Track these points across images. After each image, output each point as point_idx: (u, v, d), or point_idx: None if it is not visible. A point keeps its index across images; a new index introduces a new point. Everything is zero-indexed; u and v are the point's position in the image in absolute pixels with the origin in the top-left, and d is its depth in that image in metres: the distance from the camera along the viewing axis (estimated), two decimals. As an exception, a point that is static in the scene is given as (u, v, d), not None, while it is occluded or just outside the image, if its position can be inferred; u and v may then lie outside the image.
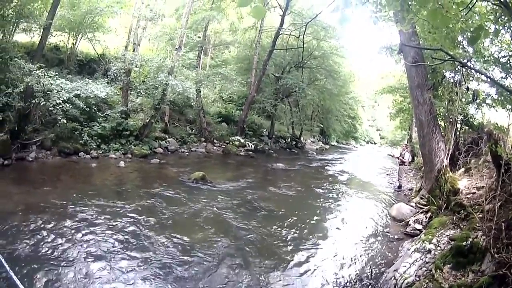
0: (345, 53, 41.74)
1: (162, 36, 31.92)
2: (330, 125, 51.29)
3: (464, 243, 8.10)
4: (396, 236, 11.89)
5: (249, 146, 33.06)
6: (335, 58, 40.48)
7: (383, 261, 9.83)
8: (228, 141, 32.55)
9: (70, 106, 19.03)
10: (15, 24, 20.69)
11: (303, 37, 26.90)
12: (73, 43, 27.44)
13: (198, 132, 32.27)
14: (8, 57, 17.61)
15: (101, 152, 22.23)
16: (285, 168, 25.32)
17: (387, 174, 27.25)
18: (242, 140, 33.13)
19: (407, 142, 32.04)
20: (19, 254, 8.29)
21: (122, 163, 20.75)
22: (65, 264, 8.06)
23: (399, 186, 20.77)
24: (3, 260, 6.05)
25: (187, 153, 28.09)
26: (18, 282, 5.40)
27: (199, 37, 33.66)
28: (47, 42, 22.07)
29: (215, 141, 32.24)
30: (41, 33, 20.22)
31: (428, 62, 16.19)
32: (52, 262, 8.11)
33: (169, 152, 26.88)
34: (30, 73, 17.26)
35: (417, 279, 8.09)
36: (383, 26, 15.61)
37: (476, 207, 10.73)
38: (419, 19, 8.60)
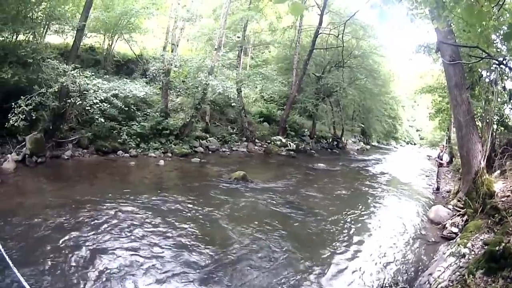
0: (384, 52, 39.91)
1: (200, 37, 30.66)
2: (371, 125, 48.48)
3: (496, 248, 7.38)
4: (432, 239, 11.25)
5: (290, 146, 31.44)
6: (375, 57, 38.66)
7: (418, 265, 9.32)
8: (269, 141, 31.09)
9: (108, 106, 18.57)
10: (46, 26, 20.03)
11: (343, 36, 25.68)
12: (109, 44, 26.86)
13: (240, 132, 30.98)
14: (40, 58, 16.87)
15: (140, 151, 21.54)
16: (326, 169, 24.03)
17: (426, 176, 25.61)
18: (283, 140, 31.59)
19: (446, 143, 30.08)
20: (48, 250, 8.05)
21: (161, 162, 20.03)
22: (96, 260, 7.78)
23: (437, 188, 19.37)
24: (8, 259, 5.78)
25: (228, 153, 26.87)
26: (24, 282, 5.07)
27: (238, 37, 32.44)
28: (81, 43, 21.69)
29: (256, 140, 30.88)
30: (74, 35, 19.55)
31: (465, 61, 15.24)
32: (80, 258, 7.85)
33: (210, 152, 25.74)
34: (65, 73, 16.69)
35: (450, 284, 7.66)
36: (420, 24, 15.06)
37: (510, 210, 10.42)
38: (454, 16, 8.60)
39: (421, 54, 22.44)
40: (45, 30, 20.19)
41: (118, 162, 19.07)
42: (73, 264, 7.56)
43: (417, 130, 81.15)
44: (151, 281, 7.27)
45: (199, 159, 22.10)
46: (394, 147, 62.75)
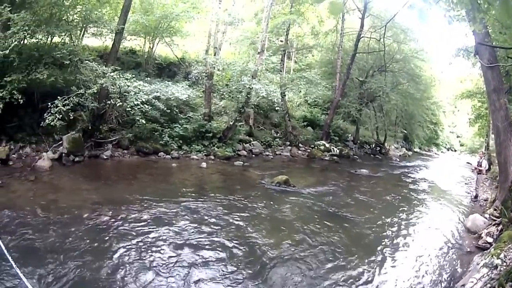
0: (426, 56, 37.66)
1: (243, 40, 29.64)
2: (413, 130, 46.24)
3: (528, 260, 7.03)
4: (468, 249, 10.49)
5: (334, 151, 29.67)
6: (416, 61, 36.38)
7: (453, 275, 8.69)
8: (313, 146, 29.41)
9: (150, 108, 17.86)
10: (83, 29, 19.67)
11: (383, 39, 23.91)
12: (150, 47, 25.64)
13: (283, 136, 29.49)
14: (78, 59, 16.41)
15: (182, 152, 20.68)
16: (368, 174, 22.61)
17: (465, 183, 24.03)
18: (327, 145, 29.86)
19: (485, 150, 28.03)
20: (80, 247, 7.78)
21: (204, 164, 19.14)
22: (129, 262, 7.42)
23: (476, 196, 18.01)
24: (10, 259, 5.62)
25: (272, 157, 25.44)
26: (25, 280, 5.04)
27: (281, 41, 31.45)
28: (122, 46, 21.66)
29: (300, 145, 29.22)
30: (113, 38, 18.92)
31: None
32: (110, 258, 7.50)
33: (253, 155, 24.41)
34: (104, 75, 16.20)
35: (482, 296, 7.22)
36: (458, 27, 14.42)
37: (546, 221, 10.01)
38: (489, 18, 8.75)
39: (460, 58, 20.96)
40: (82, 33, 19.89)
41: (159, 164, 18.34)
42: (103, 264, 7.19)
43: (457, 136, 77.52)
44: (191, 285, 6.87)
45: (242, 163, 21.02)
46: (435, 153, 60.02)
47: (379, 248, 9.73)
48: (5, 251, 5.88)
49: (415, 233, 11.61)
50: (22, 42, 14.76)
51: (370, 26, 32.52)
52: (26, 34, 14.27)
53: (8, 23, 14.16)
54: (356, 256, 8.97)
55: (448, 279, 8.41)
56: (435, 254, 9.74)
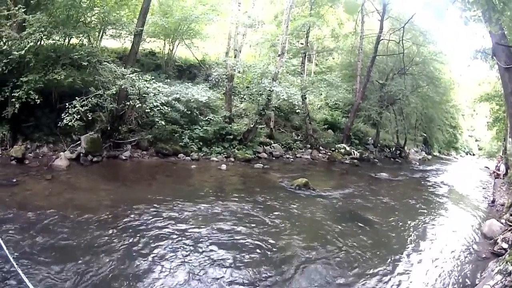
0: (444, 58, 36.65)
1: (264, 43, 29.03)
2: (432, 134, 45.63)
3: (540, 266, 6.98)
4: (483, 255, 9.99)
5: (354, 154, 28.86)
6: (435, 64, 35.37)
7: (467, 281, 8.35)
8: (333, 149, 28.57)
9: (169, 109, 17.53)
10: (101, 31, 19.53)
11: (401, 41, 23.16)
12: (169, 49, 25.30)
13: (304, 139, 28.69)
14: (96, 61, 15.96)
15: (202, 154, 20.20)
16: (389, 178, 21.86)
17: (482, 188, 23.05)
18: (347, 148, 29.02)
19: (502, 154, 27.03)
20: (95, 247, 7.60)
21: (223, 166, 18.68)
22: (143, 263, 7.19)
23: (493, 201, 17.21)
24: (10, 257, 5.41)
25: (292, 159, 24.79)
26: (26, 280, 4.49)
27: (301, 43, 30.62)
28: (141, 48, 21.71)
29: (320, 148, 28.42)
30: (132, 39, 18.66)
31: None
32: (123, 260, 7.21)
33: (274, 158, 23.78)
34: (123, 76, 15.92)
35: (495, 303, 7.10)
36: (475, 28, 14.26)
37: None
38: (505, 18, 8.69)
39: (478, 60, 19.89)
40: (100, 35, 19.82)
41: (179, 165, 17.92)
42: (115, 266, 6.90)
43: (476, 140, 75.67)
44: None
45: (262, 165, 20.47)
46: (454, 157, 58.39)
47: (396, 251, 9.52)
48: (6, 251, 5.50)
49: (432, 238, 11.28)
50: (38, 43, 14.53)
51: (390, 29, 31.51)
52: (42, 35, 14.02)
53: (24, 24, 13.99)
54: (372, 259, 8.74)
55: (463, 285, 8.13)
56: (450, 259, 9.46)
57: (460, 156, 62.23)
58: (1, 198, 9.87)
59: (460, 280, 8.26)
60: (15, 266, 5.15)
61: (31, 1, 14.83)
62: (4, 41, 13.92)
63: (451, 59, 39.02)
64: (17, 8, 13.39)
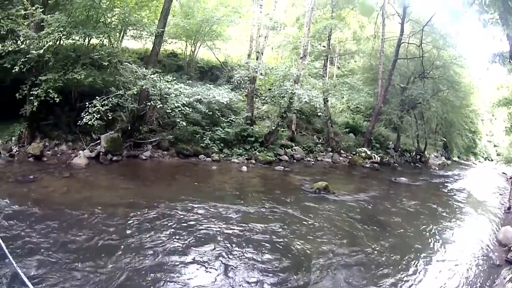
0: (464, 62, 35.42)
1: (286, 45, 28.78)
2: (452, 139, 43.82)
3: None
4: (497, 262, 9.62)
5: (375, 158, 27.93)
6: (455, 68, 34.09)
7: None
8: (354, 152, 27.94)
9: (191, 110, 17.56)
10: (122, 31, 19.49)
11: (421, 44, 24.50)
12: (191, 50, 25.08)
13: (325, 142, 28.13)
14: (117, 61, 15.80)
15: (223, 156, 19.78)
16: (408, 183, 21.23)
17: (499, 194, 22.17)
18: (368, 152, 28.02)
19: None
20: (112, 245, 7.44)
21: (244, 168, 18.36)
22: (162, 259, 7.13)
23: (509, 208, 16.55)
24: (8, 254, 5.27)
25: (313, 162, 24.24)
26: (25, 279, 4.52)
27: (323, 46, 30.15)
28: (163, 49, 21.53)
29: (341, 151, 27.88)
30: (153, 40, 18.54)
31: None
32: (142, 254, 7.15)
33: (295, 160, 23.23)
34: (144, 77, 15.65)
35: (507, 312, 6.62)
36: (493, 31, 13.39)
37: None
38: None
39: (496, 64, 19.25)
40: (121, 35, 19.77)
41: (199, 166, 17.70)
42: (130, 266, 6.66)
43: (494, 146, 74.11)
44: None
45: (282, 167, 20.02)
46: (473, 163, 56.76)
47: (412, 256, 9.29)
48: (5, 249, 5.35)
49: (447, 244, 10.89)
50: (57, 42, 14.30)
51: (410, 32, 31.09)
52: (61, 35, 13.78)
53: (42, 24, 13.70)
54: (389, 263, 8.54)
55: None
56: (464, 266, 9.14)
57: (479, 161, 60.78)
58: (17, 194, 9.75)
59: (472, 287, 8.00)
60: (13, 264, 5.01)
61: (49, 1, 14.67)
62: (21, 40, 13.62)
63: (470, 62, 38.19)
64: (34, 8, 13.13)
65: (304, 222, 10.64)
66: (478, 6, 8.36)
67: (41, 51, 12.88)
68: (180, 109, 16.08)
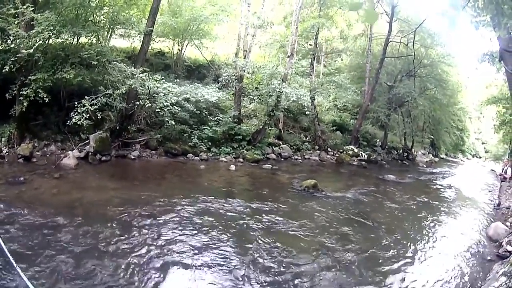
0: (452, 61, 35.88)
1: (273, 44, 28.82)
2: (440, 136, 44.94)
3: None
4: (488, 258, 9.90)
5: (362, 156, 28.42)
6: (443, 66, 34.84)
7: (472, 283, 8.30)
8: (342, 150, 28.20)
9: (179, 109, 17.71)
10: (110, 30, 19.57)
11: (413, 44, 23.96)
12: (179, 49, 25.26)
13: (312, 140, 28.38)
14: (106, 60, 15.80)
15: (211, 154, 20.00)
16: (396, 180, 21.61)
17: (488, 191, 22.61)
18: (355, 150, 28.50)
19: (509, 157, 26.68)
20: (104, 245, 7.50)
21: (232, 167, 18.56)
22: (151, 263, 7.08)
23: (498, 204, 17.16)
24: (9, 256, 5.37)
25: (300, 160, 24.49)
26: (25, 279, 4.67)
27: (310, 44, 30.21)
28: (150, 48, 20.93)
29: (329, 149, 28.07)
30: (141, 39, 18.68)
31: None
32: (135, 257, 7.16)
33: (282, 159, 23.50)
34: (133, 76, 15.67)
35: (500, 304, 7.18)
36: (483, 32, 13.57)
37: None
38: None
39: (485, 63, 19.68)
40: (109, 34, 19.83)
41: (188, 165, 17.78)
42: (119, 268, 6.67)
43: (482, 143, 74.95)
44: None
45: (270, 166, 20.26)
46: (461, 160, 57.84)
47: (403, 253, 9.47)
48: (5, 250, 5.54)
49: (437, 240, 11.13)
50: (47, 41, 14.22)
51: (398, 31, 31.52)
52: (51, 34, 13.70)
53: (32, 22, 13.67)
54: (378, 261, 8.70)
55: (468, 287, 8.07)
56: (455, 262, 9.36)
57: (467, 158, 61.66)
58: (8, 196, 9.75)
59: (465, 282, 8.23)
60: (15, 265, 5.11)
61: (39, 0, 14.68)
62: (11, 39, 13.87)
63: (459, 61, 38.58)
64: (25, 6, 13.14)
65: (294, 221, 10.74)
66: (471, 9, 8.53)
67: (31, 50, 12.90)
68: (168, 108, 16.30)
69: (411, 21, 30.27)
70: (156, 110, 16.83)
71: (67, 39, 15.47)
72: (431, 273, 8.37)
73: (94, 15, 16.50)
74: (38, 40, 13.23)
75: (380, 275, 7.89)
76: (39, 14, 13.47)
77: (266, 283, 6.93)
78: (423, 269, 8.62)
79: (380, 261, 8.65)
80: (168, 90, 16.80)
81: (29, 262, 6.31)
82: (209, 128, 20.89)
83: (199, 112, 19.86)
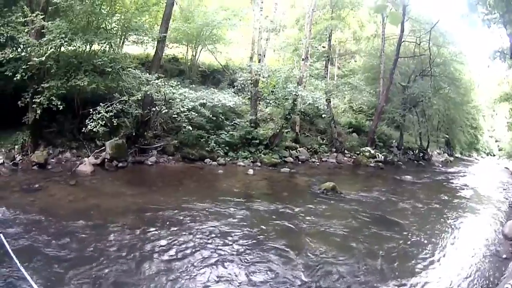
0: (464, 59, 35.88)
1: (286, 47, 28.38)
2: (454, 135, 43.99)
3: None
4: (504, 256, 9.51)
5: (379, 157, 27.62)
6: (456, 64, 34.22)
7: (488, 281, 7.96)
8: (358, 152, 27.55)
9: (196, 115, 16.92)
10: (123, 37, 19.05)
11: (429, 43, 24.19)
12: (193, 54, 24.76)
13: (329, 142, 27.75)
14: (120, 67, 15.54)
15: (228, 159, 19.45)
16: (413, 181, 21.08)
17: (503, 189, 22.18)
18: (372, 151, 27.61)
19: None
20: (122, 254, 7.09)
21: (250, 171, 18.01)
22: (172, 271, 6.63)
23: None
24: (12, 254, 5.18)
25: (318, 163, 23.87)
26: (29, 278, 4.64)
27: (324, 47, 29.63)
28: (164, 54, 20.33)
29: (345, 151, 27.46)
30: (155, 45, 18.50)
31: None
32: (154, 265, 6.78)
33: (300, 162, 22.85)
34: (148, 82, 15.50)
35: (517, 303, 6.68)
36: (494, 29, 12.96)
37: None
38: None
39: (497, 60, 19.11)
40: (122, 41, 19.27)
41: (205, 170, 17.42)
42: (147, 272, 6.48)
43: (496, 141, 73.24)
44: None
45: (288, 169, 19.64)
46: (476, 158, 55.82)
47: (419, 252, 9.18)
48: (10, 251, 5.27)
49: (454, 238, 10.92)
50: (59, 49, 13.95)
51: (410, 30, 30.95)
52: (63, 42, 13.42)
53: (42, 30, 13.38)
54: (397, 261, 8.42)
55: (484, 285, 7.76)
56: (472, 260, 9.08)
57: (481, 157, 60.17)
58: (23, 203, 9.42)
59: (481, 280, 7.90)
60: (18, 263, 4.94)
61: (49, 8, 14.26)
62: (22, 47, 13.46)
63: (470, 59, 37.95)
64: (34, 14, 12.89)
65: (314, 223, 10.49)
66: (482, 7, 8.42)
67: (43, 58, 12.65)
68: (185, 113, 15.90)
69: (422, 20, 29.86)
70: (173, 116, 16.43)
71: (79, 47, 15.10)
72: (447, 271, 8.15)
73: (106, 22, 16.23)
74: (50, 48, 13.00)
75: (400, 273, 7.69)
76: (49, 22, 13.24)
77: (286, 283, 6.64)
78: (440, 267, 8.40)
79: (400, 259, 8.44)
80: (184, 95, 16.44)
81: (39, 267, 6.09)
82: (226, 133, 20.49)
83: (215, 117, 19.55)
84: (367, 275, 7.43)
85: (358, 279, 7.25)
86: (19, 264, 4.92)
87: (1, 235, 5.68)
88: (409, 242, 9.79)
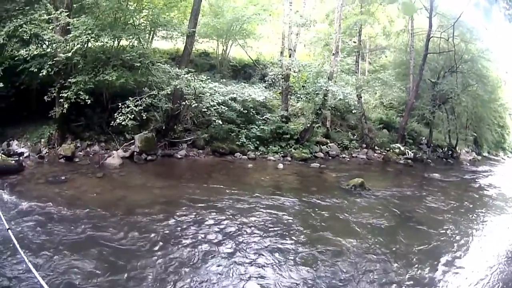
0: (491, 56, 33.72)
1: (317, 42, 27.58)
2: (482, 134, 41.51)
3: None
4: None
5: (408, 154, 26.62)
6: (483, 61, 32.46)
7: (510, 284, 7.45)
8: (388, 148, 26.55)
9: (226, 109, 16.76)
10: (152, 32, 19.26)
11: (453, 38, 23.24)
12: (223, 49, 24.28)
13: (360, 138, 26.89)
14: (149, 62, 15.31)
15: (259, 153, 19.01)
16: (441, 179, 20.12)
17: None
18: (402, 148, 26.67)
19: None
20: (149, 245, 6.90)
21: (280, 165, 17.57)
22: (198, 262, 6.47)
23: None
24: (21, 251, 4.94)
25: (348, 159, 23.14)
26: (39, 278, 4.17)
27: (354, 42, 28.91)
28: (194, 48, 20.05)
29: (376, 148, 26.57)
30: (184, 40, 17.97)
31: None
32: (180, 258, 6.53)
33: (330, 157, 22.14)
34: (178, 77, 15.02)
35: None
36: None
37: None
38: None
39: None
40: (151, 36, 19.53)
41: (235, 164, 17.02)
42: (172, 263, 6.30)
43: (522, 140, 71.02)
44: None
45: (318, 164, 18.90)
46: (502, 158, 52.52)
47: (443, 252, 8.74)
48: (18, 246, 4.99)
49: (479, 238, 10.42)
50: (85, 45, 14.00)
51: (438, 25, 29.91)
52: (89, 38, 13.29)
53: (68, 27, 13.19)
54: (420, 260, 8.03)
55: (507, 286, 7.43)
56: (496, 260, 8.68)
57: (508, 157, 58.38)
58: (49, 195, 9.27)
59: (506, 281, 7.53)
60: (26, 259, 4.70)
61: (74, 5, 14.17)
62: (47, 44, 13.67)
63: (497, 56, 36.44)
64: (58, 12, 12.69)
65: (341, 219, 10.26)
66: (503, 1, 8.23)
67: (69, 54, 12.57)
68: (215, 108, 15.60)
69: (450, 15, 28.67)
70: (203, 110, 16.18)
71: (107, 42, 14.97)
72: (468, 272, 7.77)
73: (134, 18, 16.09)
74: (76, 44, 12.86)
75: (425, 271, 7.40)
76: (75, 19, 13.06)
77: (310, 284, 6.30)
78: (464, 267, 8.02)
79: (425, 258, 8.07)
80: (214, 90, 16.08)
81: (67, 259, 5.95)
82: (256, 127, 19.96)
83: (246, 111, 19.10)
84: (390, 276, 7.09)
85: (378, 280, 6.89)
86: (26, 260, 4.65)
87: (9, 231, 5.31)
88: (433, 240, 9.40)
